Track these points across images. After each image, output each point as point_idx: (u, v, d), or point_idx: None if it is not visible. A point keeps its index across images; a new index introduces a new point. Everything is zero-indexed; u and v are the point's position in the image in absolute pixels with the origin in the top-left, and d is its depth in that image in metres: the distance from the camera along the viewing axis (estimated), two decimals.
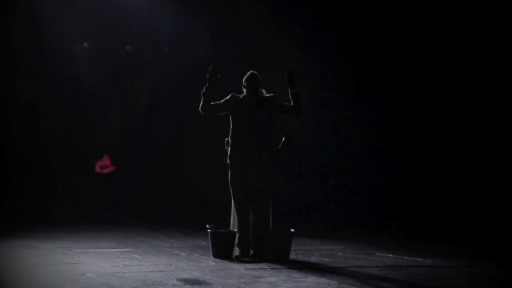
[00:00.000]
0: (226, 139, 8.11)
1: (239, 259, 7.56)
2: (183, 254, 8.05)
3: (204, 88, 7.78)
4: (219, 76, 7.77)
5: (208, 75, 7.75)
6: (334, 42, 12.04)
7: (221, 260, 7.49)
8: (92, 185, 12.49)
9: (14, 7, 12.08)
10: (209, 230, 7.80)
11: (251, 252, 7.68)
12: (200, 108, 7.85)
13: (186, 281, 6.10)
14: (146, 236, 9.98)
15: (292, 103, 7.84)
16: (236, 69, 8.72)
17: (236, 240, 7.74)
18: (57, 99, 12.82)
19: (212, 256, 7.69)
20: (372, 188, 11.70)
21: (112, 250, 8.42)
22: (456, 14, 10.78)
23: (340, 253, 8.27)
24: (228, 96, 7.85)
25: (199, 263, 7.31)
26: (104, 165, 7.74)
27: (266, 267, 6.98)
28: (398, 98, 11.42)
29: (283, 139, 7.92)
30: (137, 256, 7.82)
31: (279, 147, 7.89)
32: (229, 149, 7.83)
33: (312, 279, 6.31)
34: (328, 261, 7.56)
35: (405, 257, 7.89)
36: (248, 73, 7.88)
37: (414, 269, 7.04)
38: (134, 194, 12.93)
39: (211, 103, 7.80)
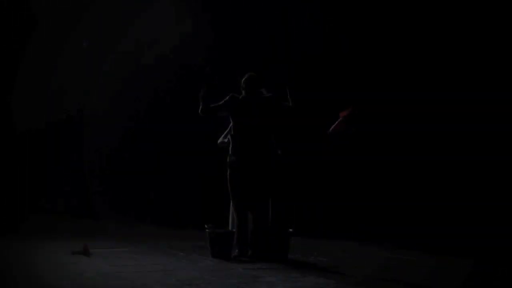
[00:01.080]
0: (220, 140, 8.14)
1: (238, 259, 7.58)
2: (182, 254, 8.06)
3: (202, 91, 7.79)
4: (217, 77, 7.78)
5: (206, 77, 7.76)
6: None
7: (219, 260, 7.50)
8: (91, 185, 12.51)
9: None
10: (207, 230, 7.81)
11: (250, 252, 7.69)
12: (200, 111, 7.86)
13: (184, 281, 6.11)
14: (145, 236, 9.99)
15: (291, 103, 7.85)
16: (235, 70, 8.72)
17: (235, 240, 7.75)
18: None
19: (210, 256, 7.70)
20: (371, 188, 11.71)
21: (111, 250, 8.42)
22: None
23: (339, 253, 8.28)
24: (228, 97, 7.87)
25: (198, 263, 7.32)
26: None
27: (265, 267, 6.99)
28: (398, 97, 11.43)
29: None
30: (136, 256, 7.83)
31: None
32: (229, 148, 7.84)
33: (310, 278, 6.32)
34: (327, 261, 7.57)
35: (404, 257, 7.90)
36: (247, 74, 7.90)
37: (413, 269, 7.06)
38: (133, 194, 12.93)
39: (211, 105, 7.82)
